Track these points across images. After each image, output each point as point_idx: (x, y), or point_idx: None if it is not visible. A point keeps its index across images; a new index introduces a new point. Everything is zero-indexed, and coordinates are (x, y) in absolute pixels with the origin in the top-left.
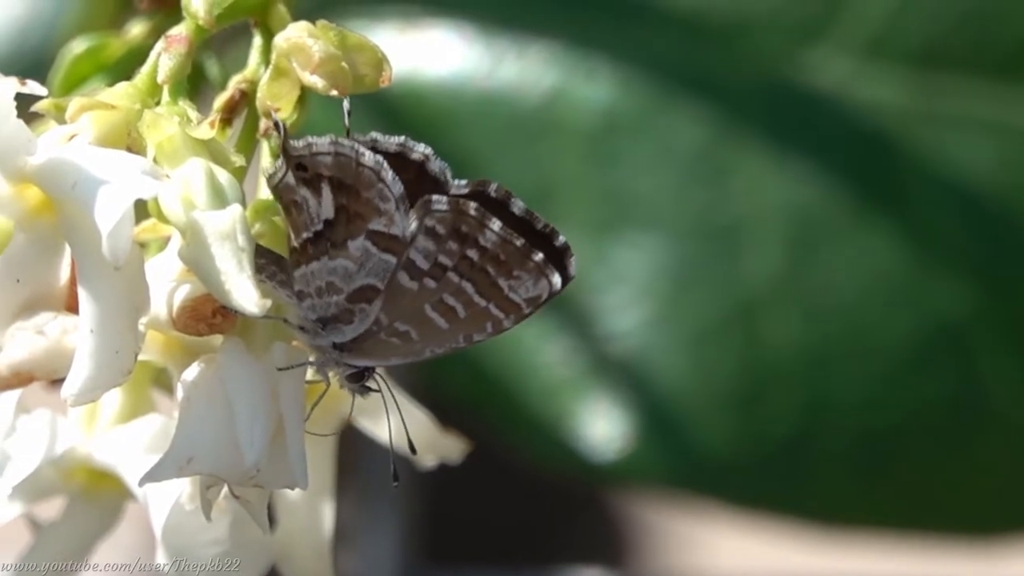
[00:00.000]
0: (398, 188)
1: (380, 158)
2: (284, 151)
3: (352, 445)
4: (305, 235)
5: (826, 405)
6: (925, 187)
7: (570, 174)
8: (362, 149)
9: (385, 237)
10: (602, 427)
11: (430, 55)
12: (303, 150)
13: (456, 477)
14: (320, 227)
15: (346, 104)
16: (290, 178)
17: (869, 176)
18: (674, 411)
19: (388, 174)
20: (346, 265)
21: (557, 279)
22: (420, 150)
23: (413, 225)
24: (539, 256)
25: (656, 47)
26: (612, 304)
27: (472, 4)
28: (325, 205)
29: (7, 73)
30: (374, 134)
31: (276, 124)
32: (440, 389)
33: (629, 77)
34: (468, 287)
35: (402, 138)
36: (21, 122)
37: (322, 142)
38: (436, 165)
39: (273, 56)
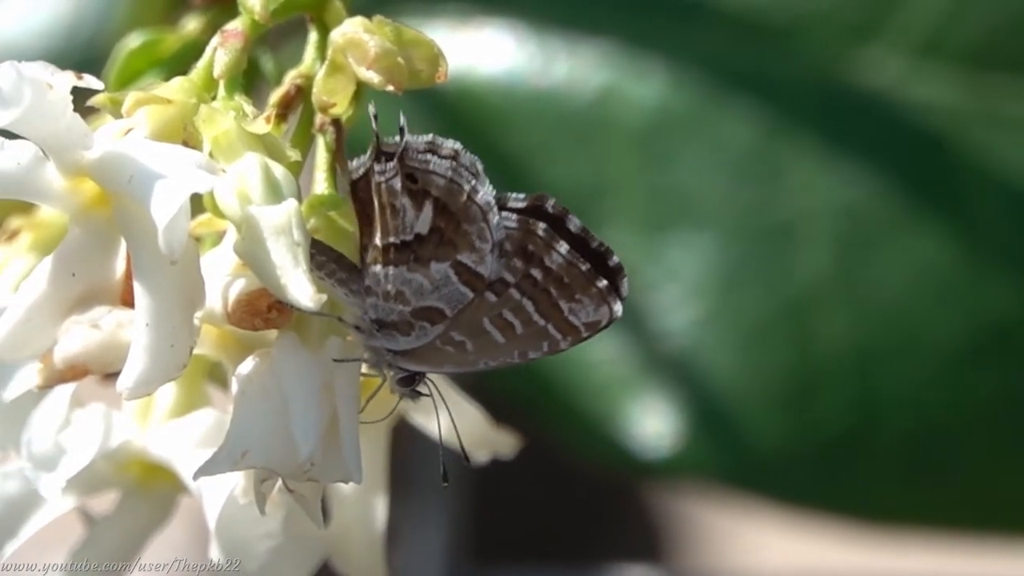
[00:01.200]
0: (499, 235)
1: (492, 200)
2: (400, 157)
3: (399, 443)
4: (392, 239)
5: (876, 403)
6: (976, 187)
7: (622, 172)
8: (478, 186)
9: (469, 271)
10: (653, 424)
11: (483, 53)
12: (420, 164)
13: (502, 476)
14: (409, 238)
15: (402, 119)
16: (396, 183)
17: (920, 176)
18: (725, 409)
19: (494, 218)
20: (422, 282)
21: (619, 307)
22: (449, 146)
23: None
24: (603, 283)
25: (708, 46)
26: (664, 302)
27: (525, 2)
28: (422, 221)
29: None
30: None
31: (401, 130)
32: (491, 385)
33: (681, 76)
34: (528, 305)
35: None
36: (77, 116)
37: (441, 163)
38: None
39: (329, 51)
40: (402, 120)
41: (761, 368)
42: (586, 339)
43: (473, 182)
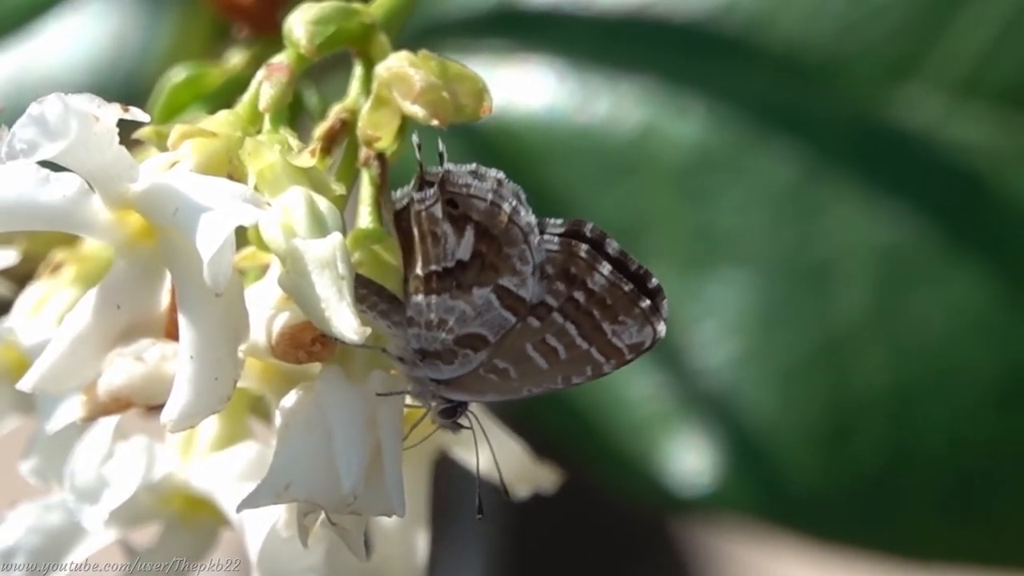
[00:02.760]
0: (540, 255)
1: (533, 221)
2: (441, 183)
3: (438, 477)
4: (433, 267)
5: (914, 442)
6: (1014, 226)
7: (662, 210)
8: (519, 207)
9: (512, 296)
10: (692, 461)
11: (523, 90)
12: (460, 188)
13: (537, 510)
14: (451, 265)
15: (441, 146)
16: (437, 210)
17: (958, 215)
18: (762, 446)
19: (535, 239)
20: (465, 309)
21: (662, 327)
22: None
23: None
24: (646, 303)
25: (748, 84)
26: (703, 340)
27: (565, 40)
28: (464, 246)
29: None
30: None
31: (441, 156)
32: (531, 421)
33: (721, 114)
34: (572, 329)
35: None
36: (123, 148)
37: (482, 187)
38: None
39: (374, 85)
40: (441, 147)
41: (799, 406)
42: (629, 361)
43: (514, 203)
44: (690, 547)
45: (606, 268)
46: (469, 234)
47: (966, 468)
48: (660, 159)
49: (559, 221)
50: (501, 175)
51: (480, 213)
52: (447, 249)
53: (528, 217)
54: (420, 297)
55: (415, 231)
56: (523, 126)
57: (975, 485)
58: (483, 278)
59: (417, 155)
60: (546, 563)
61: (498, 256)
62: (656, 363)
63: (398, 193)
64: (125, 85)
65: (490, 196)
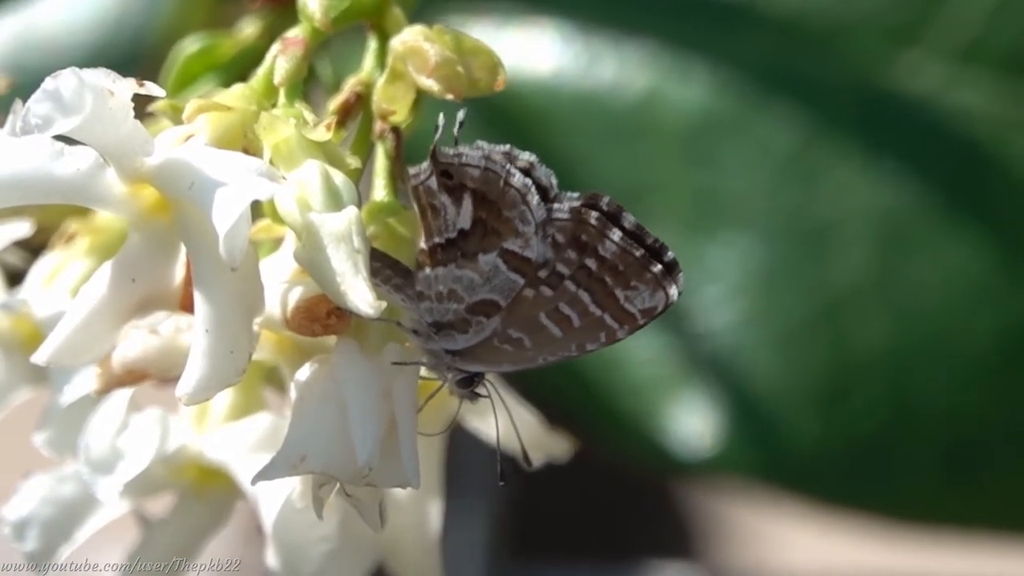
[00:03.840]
0: (541, 214)
1: (528, 182)
2: (432, 155)
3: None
4: (436, 240)
5: (912, 405)
6: (1014, 192)
7: (665, 173)
8: (512, 169)
9: (517, 257)
10: (693, 423)
11: (528, 53)
12: (452, 158)
13: (540, 473)
14: (454, 235)
15: (460, 115)
16: (433, 182)
17: (958, 181)
18: (763, 408)
19: (534, 199)
20: (472, 277)
21: (674, 291)
22: (525, 157)
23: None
24: (658, 267)
25: (752, 49)
26: (705, 302)
27: (570, 3)
28: (463, 215)
29: (99, 66)
30: (520, 153)
31: (436, 128)
32: (532, 383)
33: (725, 78)
34: (585, 296)
35: (507, 146)
36: (138, 123)
37: (473, 154)
38: (541, 172)
39: (389, 59)
40: (440, 120)
41: (799, 369)
42: (643, 326)
43: (508, 166)
44: (691, 509)
45: (616, 234)
46: (467, 202)
47: (963, 432)
48: (664, 123)
49: (575, 194)
50: (515, 150)
51: (475, 180)
52: (448, 220)
53: (523, 179)
54: (427, 270)
55: (414, 206)
56: (529, 89)
57: (972, 448)
58: (486, 243)
59: (437, 136)
60: (549, 526)
61: (498, 220)
62: (658, 326)
63: (412, 170)
64: (130, 43)
65: (483, 163)
